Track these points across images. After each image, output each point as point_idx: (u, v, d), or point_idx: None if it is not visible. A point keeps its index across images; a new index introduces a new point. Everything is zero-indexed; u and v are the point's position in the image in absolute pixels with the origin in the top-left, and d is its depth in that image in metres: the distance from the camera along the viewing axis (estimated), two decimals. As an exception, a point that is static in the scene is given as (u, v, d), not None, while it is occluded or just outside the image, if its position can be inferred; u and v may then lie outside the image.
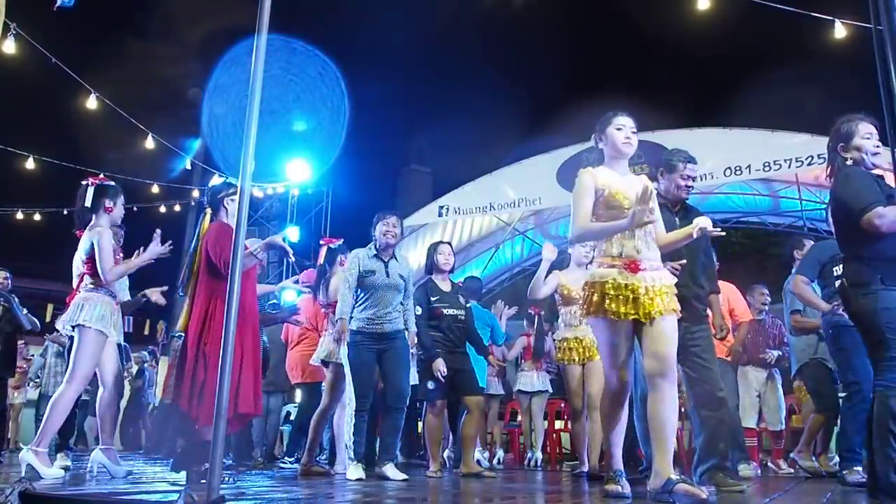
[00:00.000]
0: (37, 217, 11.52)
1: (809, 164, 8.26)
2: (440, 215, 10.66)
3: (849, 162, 2.99)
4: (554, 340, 4.77)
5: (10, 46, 6.74)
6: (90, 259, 3.90)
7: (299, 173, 11.20)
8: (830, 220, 3.24)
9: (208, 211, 3.96)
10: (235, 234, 2.38)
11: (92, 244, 3.89)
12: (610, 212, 2.90)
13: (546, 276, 4.52)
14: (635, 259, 2.84)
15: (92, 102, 8.22)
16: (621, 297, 2.78)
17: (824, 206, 9.87)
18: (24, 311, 5.83)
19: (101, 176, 4.15)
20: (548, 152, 10.09)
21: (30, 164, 9.66)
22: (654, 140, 9.24)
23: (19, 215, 11.44)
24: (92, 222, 3.98)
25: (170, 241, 4.05)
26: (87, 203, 3.96)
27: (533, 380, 6.70)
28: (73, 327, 3.85)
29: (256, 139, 2.43)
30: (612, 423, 3.00)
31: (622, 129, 2.99)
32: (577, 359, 4.60)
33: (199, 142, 12.78)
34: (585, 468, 4.60)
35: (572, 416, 5.00)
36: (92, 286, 3.91)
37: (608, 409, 3.00)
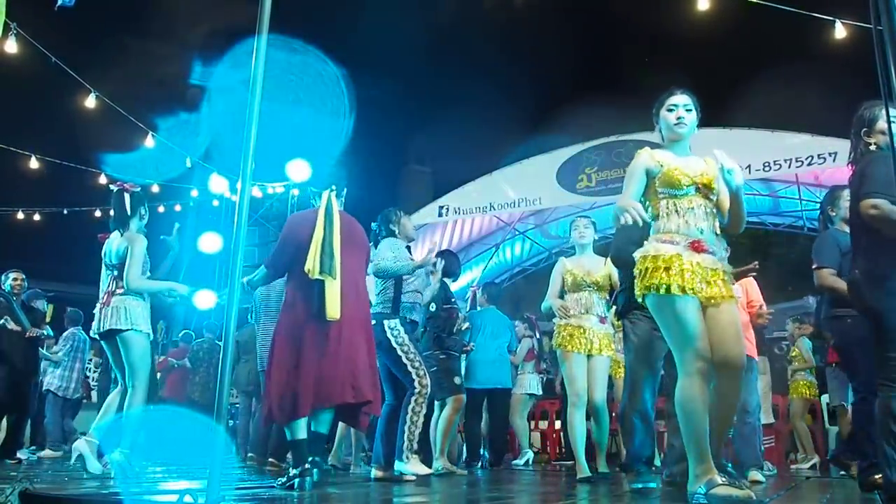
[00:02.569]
0: (37, 217, 11.50)
1: (809, 165, 8.26)
2: (440, 215, 10.66)
3: (872, 147, 2.88)
4: (554, 326, 4.56)
5: (10, 46, 6.74)
6: (123, 264, 4.01)
7: (299, 173, 11.19)
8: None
9: (327, 193, 3.76)
10: (236, 234, 2.38)
11: (126, 249, 4.01)
12: (667, 189, 2.82)
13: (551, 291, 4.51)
14: (699, 238, 2.71)
15: (92, 102, 8.22)
16: (687, 272, 2.62)
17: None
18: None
19: (131, 184, 4.31)
20: (548, 152, 10.09)
21: (31, 163, 9.63)
22: (654, 140, 9.25)
23: (20, 215, 11.43)
24: (127, 229, 4.14)
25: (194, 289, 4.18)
26: (128, 211, 4.17)
27: (534, 382, 6.96)
28: (117, 331, 3.91)
29: (257, 139, 2.43)
30: (703, 418, 2.56)
31: (673, 110, 2.97)
32: (579, 347, 4.26)
33: (199, 141, 12.78)
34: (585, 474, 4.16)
35: (564, 407, 4.75)
36: (124, 290, 4.00)
37: (696, 399, 2.56)
